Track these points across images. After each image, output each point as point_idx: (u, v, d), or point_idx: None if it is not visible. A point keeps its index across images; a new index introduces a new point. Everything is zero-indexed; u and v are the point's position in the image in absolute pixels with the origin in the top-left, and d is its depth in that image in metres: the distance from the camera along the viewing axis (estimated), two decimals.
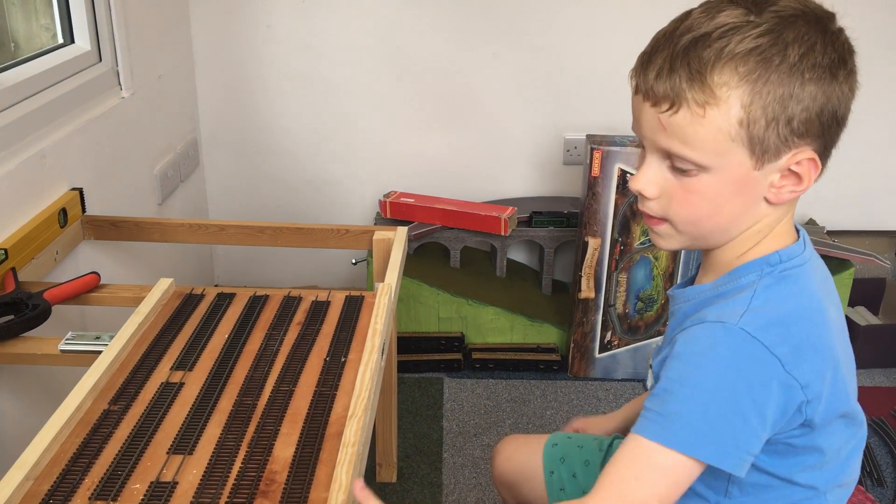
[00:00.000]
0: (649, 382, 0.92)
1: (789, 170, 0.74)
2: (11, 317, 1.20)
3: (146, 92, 1.85)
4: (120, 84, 1.76)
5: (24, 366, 1.32)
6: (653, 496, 0.74)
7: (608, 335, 2.06)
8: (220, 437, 0.97)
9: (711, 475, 0.80)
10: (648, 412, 0.76)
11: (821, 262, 0.83)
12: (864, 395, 2.00)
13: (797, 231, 0.82)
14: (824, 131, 0.74)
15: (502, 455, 1.18)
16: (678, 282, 0.91)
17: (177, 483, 0.89)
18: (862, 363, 2.10)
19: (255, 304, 1.28)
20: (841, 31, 0.74)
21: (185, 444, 0.96)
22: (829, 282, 0.83)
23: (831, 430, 0.78)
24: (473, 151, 2.27)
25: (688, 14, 0.75)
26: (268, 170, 2.29)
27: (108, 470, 0.91)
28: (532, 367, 2.09)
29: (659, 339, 2.05)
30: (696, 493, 0.83)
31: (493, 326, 2.12)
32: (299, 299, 1.30)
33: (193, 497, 0.87)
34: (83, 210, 1.53)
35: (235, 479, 0.90)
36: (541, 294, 2.23)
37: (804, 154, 0.74)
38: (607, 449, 1.09)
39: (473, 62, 2.17)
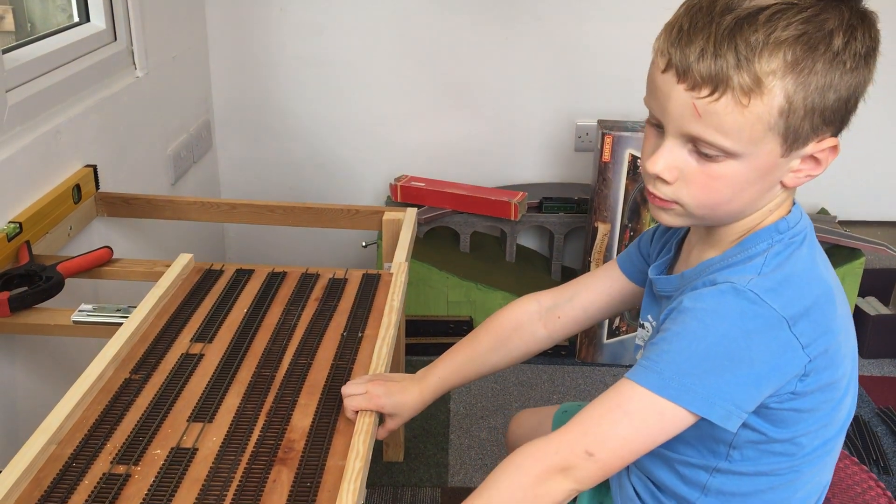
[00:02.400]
0: (640, 343, 0.91)
1: (811, 155, 0.74)
2: (25, 288, 1.21)
3: (160, 72, 1.87)
4: (134, 63, 1.77)
5: (38, 336, 1.34)
6: (618, 435, 0.74)
7: (616, 321, 2.07)
8: (239, 407, 0.99)
9: (713, 440, 0.80)
10: (644, 360, 0.75)
11: (813, 232, 0.84)
12: (872, 384, 2.01)
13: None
14: (846, 117, 0.74)
15: (514, 426, 1.20)
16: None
17: (197, 449, 0.91)
18: (871, 353, 2.11)
19: (273, 280, 1.30)
20: (873, 14, 0.73)
21: (205, 412, 0.98)
22: (824, 255, 0.83)
23: (828, 396, 0.78)
24: (485, 136, 2.28)
25: None
26: (280, 153, 2.31)
27: (129, 436, 0.93)
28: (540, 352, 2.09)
29: None
30: (697, 457, 0.83)
31: None
32: (317, 276, 1.32)
33: (213, 463, 0.89)
34: (97, 187, 1.55)
35: (254, 447, 0.92)
36: (550, 279, 2.24)
37: (828, 142, 0.73)
38: None
39: (486, 47, 2.17)
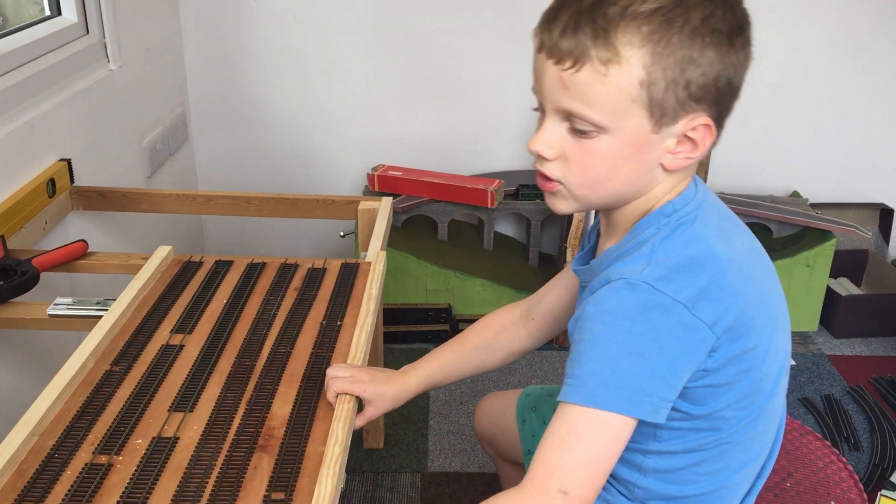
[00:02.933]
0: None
1: (685, 135, 0.75)
2: (1, 283, 1.22)
3: (134, 65, 1.87)
4: (107, 56, 1.77)
5: (14, 331, 1.35)
6: (581, 462, 0.75)
7: None
8: (219, 396, 1.00)
9: (641, 424, 0.80)
10: (567, 378, 0.77)
11: (719, 202, 0.85)
12: (844, 363, 2.05)
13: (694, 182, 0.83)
14: (720, 98, 0.75)
15: (481, 410, 1.22)
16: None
17: (178, 438, 0.92)
18: (842, 332, 2.15)
19: (253, 271, 1.30)
20: (740, 0, 0.76)
21: (185, 402, 0.99)
22: (729, 220, 0.84)
23: (744, 366, 0.79)
24: (461, 125, 2.29)
25: None
26: (257, 144, 2.31)
27: (110, 426, 0.94)
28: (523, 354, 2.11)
29: None
30: (630, 441, 0.83)
31: (480, 298, 2.15)
32: (296, 266, 1.32)
33: (194, 451, 0.90)
34: (71, 181, 1.55)
35: (235, 435, 0.93)
36: (528, 266, 2.26)
37: (700, 120, 0.75)
38: None
39: (462, 35, 2.18)
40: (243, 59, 2.22)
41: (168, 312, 1.18)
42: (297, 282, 1.28)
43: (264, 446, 0.91)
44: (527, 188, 2.18)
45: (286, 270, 1.31)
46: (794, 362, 2.04)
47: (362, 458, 1.71)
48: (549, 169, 0.79)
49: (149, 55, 1.96)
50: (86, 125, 1.65)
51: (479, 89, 2.24)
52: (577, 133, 0.76)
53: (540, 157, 0.79)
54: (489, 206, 2.12)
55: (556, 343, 2.12)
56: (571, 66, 0.73)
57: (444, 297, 2.15)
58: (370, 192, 2.19)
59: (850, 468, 0.98)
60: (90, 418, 0.95)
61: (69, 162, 1.54)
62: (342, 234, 2.18)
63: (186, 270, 1.29)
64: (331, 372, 1.00)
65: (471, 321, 2.11)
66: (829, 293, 2.15)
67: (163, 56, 2.06)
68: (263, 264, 1.33)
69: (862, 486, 0.96)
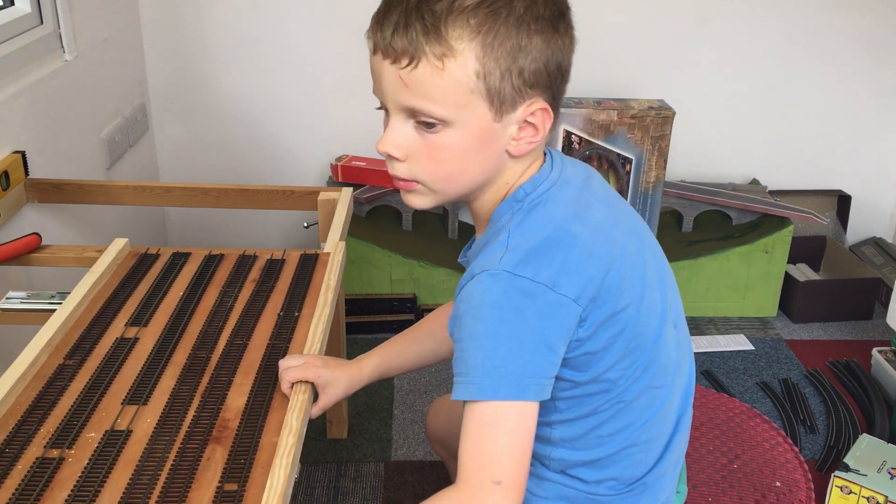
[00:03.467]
0: None
1: (526, 121, 0.78)
2: None
3: (90, 55, 1.84)
4: (63, 47, 1.74)
5: None
6: (502, 449, 0.77)
7: None
8: (174, 388, 1.00)
9: None
10: (456, 377, 0.79)
11: (582, 172, 0.87)
12: (801, 347, 2.09)
13: (546, 155, 0.85)
14: (552, 82, 0.78)
15: (432, 412, 1.23)
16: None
17: (131, 431, 0.92)
18: (800, 317, 2.19)
19: (211, 263, 1.30)
20: None
21: (139, 394, 0.99)
22: (588, 190, 0.86)
23: (617, 329, 0.81)
24: None
25: None
26: (219, 135, 2.29)
27: (63, 420, 0.93)
28: None
29: None
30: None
31: (445, 287, 2.16)
32: (254, 258, 1.32)
33: (148, 444, 0.90)
34: (26, 173, 1.53)
35: (189, 427, 0.93)
36: None
37: (537, 104, 0.78)
38: None
39: None
40: (204, 49, 2.20)
41: (123, 305, 1.17)
42: (255, 273, 1.28)
43: (218, 438, 0.91)
44: None
45: (244, 262, 1.31)
46: (752, 346, 2.08)
47: (326, 448, 1.71)
48: (401, 170, 0.80)
49: (106, 45, 1.94)
50: (41, 117, 1.63)
51: None
52: (423, 128, 0.77)
53: (390, 158, 0.80)
54: None
55: None
56: (408, 64, 0.75)
57: (408, 287, 2.15)
58: (334, 183, 2.19)
59: (796, 450, 1.00)
60: (42, 412, 0.95)
61: (23, 154, 1.52)
62: (306, 224, 2.17)
63: (143, 263, 1.29)
64: (283, 363, 1.00)
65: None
66: (788, 279, 2.18)
67: (121, 46, 2.04)
68: (221, 256, 1.32)
69: (807, 468, 0.98)
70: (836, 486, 1.53)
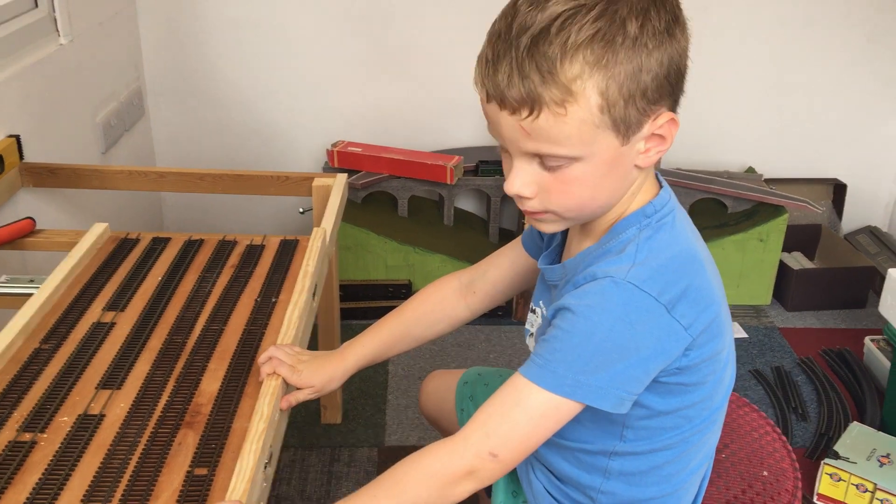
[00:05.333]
0: (530, 328, 0.94)
1: (653, 134, 0.76)
2: None
3: (86, 39, 1.84)
4: (58, 31, 1.74)
5: None
6: (519, 434, 0.77)
7: None
8: (148, 373, 1.00)
9: (607, 421, 0.83)
10: (537, 357, 0.78)
11: (680, 205, 0.86)
12: (795, 335, 2.09)
13: (658, 179, 0.84)
14: (673, 89, 0.75)
15: (424, 392, 1.24)
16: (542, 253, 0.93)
17: (104, 416, 0.92)
18: (794, 305, 2.19)
19: (190, 248, 1.30)
20: None
21: (113, 379, 0.99)
22: (691, 222, 0.86)
23: (712, 368, 0.82)
24: (421, 101, 2.29)
25: (515, 10, 0.72)
26: (216, 119, 2.29)
27: (36, 404, 0.94)
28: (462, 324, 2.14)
29: None
30: (594, 442, 0.86)
31: (440, 273, 2.15)
32: (234, 243, 1.32)
33: (120, 428, 0.91)
34: (21, 157, 1.53)
35: (161, 412, 0.94)
36: (488, 242, 2.27)
37: (663, 117, 0.75)
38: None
39: (422, 11, 2.17)
40: (201, 33, 2.19)
41: (101, 290, 1.17)
42: (234, 259, 1.28)
43: (191, 423, 0.92)
44: (486, 164, 2.19)
45: (224, 247, 1.30)
46: (746, 335, 2.09)
47: (320, 433, 1.73)
48: (533, 206, 0.79)
49: (102, 29, 1.93)
50: (36, 101, 1.62)
51: (440, 65, 2.24)
52: (551, 167, 0.75)
53: (520, 198, 0.78)
54: (448, 182, 2.12)
55: (516, 318, 2.15)
56: (529, 115, 0.71)
57: (404, 273, 2.16)
58: (330, 169, 2.19)
59: (784, 439, 1.01)
60: (16, 396, 0.95)
61: (18, 138, 1.52)
62: (301, 210, 2.17)
63: (123, 248, 1.28)
64: (275, 352, 0.98)
65: None
66: (782, 267, 2.19)
67: (116, 30, 2.03)
68: (201, 241, 1.32)
69: (794, 457, 0.99)
70: (826, 473, 1.54)
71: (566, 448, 0.88)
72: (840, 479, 1.53)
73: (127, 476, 0.84)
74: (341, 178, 1.56)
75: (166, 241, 1.32)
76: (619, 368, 0.75)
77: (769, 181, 2.31)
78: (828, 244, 2.35)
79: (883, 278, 1.63)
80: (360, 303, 2.11)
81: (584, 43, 0.69)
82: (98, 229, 1.30)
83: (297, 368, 0.98)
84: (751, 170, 2.34)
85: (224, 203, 2.33)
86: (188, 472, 0.85)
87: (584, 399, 0.76)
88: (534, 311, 0.93)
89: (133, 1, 2.12)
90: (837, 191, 2.41)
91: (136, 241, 1.31)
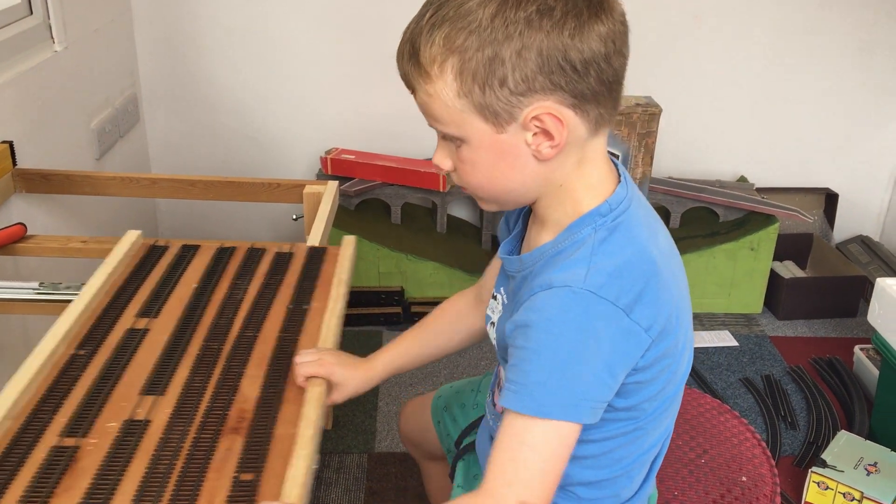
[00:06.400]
0: (491, 315, 0.94)
1: (537, 127, 0.74)
2: None
3: (81, 46, 1.85)
4: (52, 37, 1.75)
5: None
6: (536, 472, 0.76)
7: None
8: (187, 379, 1.00)
9: None
10: (511, 384, 0.77)
11: (640, 194, 0.85)
12: (785, 344, 2.10)
13: (617, 169, 0.83)
14: (556, 84, 0.72)
15: (403, 417, 1.25)
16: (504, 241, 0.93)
17: (150, 421, 0.92)
18: (784, 314, 2.20)
19: (222, 256, 1.30)
20: None
21: (156, 385, 0.99)
22: (649, 214, 0.85)
23: (668, 362, 0.82)
24: (415, 109, 2.27)
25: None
26: (210, 126, 2.30)
27: (76, 410, 0.94)
28: (483, 338, 2.15)
29: None
30: None
31: (432, 281, 2.17)
32: (263, 251, 1.32)
33: (164, 433, 0.91)
34: (14, 163, 1.54)
35: (203, 417, 0.93)
36: (480, 249, 2.29)
37: (538, 110, 0.73)
38: (478, 388, 1.16)
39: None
40: (196, 40, 2.21)
41: (133, 297, 1.18)
42: (264, 266, 1.28)
43: (236, 428, 0.92)
44: None
45: (253, 255, 1.31)
46: (736, 343, 2.09)
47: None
48: (454, 179, 0.83)
49: (97, 36, 1.95)
50: (30, 107, 1.64)
51: None
52: (453, 144, 0.79)
53: (440, 170, 0.83)
54: (441, 189, 2.14)
55: None
56: (411, 91, 0.78)
57: (396, 280, 2.17)
58: (324, 176, 2.20)
59: (764, 445, 1.02)
60: (55, 402, 0.95)
61: (11, 144, 1.53)
62: (294, 217, 2.19)
63: (152, 255, 1.29)
64: (298, 359, 1.00)
65: (423, 304, 2.16)
66: (773, 276, 2.20)
67: (111, 37, 2.05)
68: (232, 248, 1.31)
69: (773, 463, 1.00)
70: (814, 481, 1.55)
71: None
72: (827, 488, 1.54)
73: (173, 481, 0.84)
74: (332, 186, 1.57)
75: (195, 248, 1.32)
76: (589, 379, 0.75)
77: (762, 190, 2.32)
78: (819, 253, 2.36)
79: (874, 287, 1.64)
80: (353, 309, 2.12)
81: (441, 28, 0.72)
82: (132, 237, 1.30)
83: (331, 365, 1.00)
84: (743, 179, 2.35)
85: (219, 210, 2.34)
86: (234, 477, 0.85)
87: (564, 416, 0.75)
88: (495, 298, 0.93)
89: (128, 8, 2.14)
90: (829, 200, 2.42)
91: (165, 248, 1.31)
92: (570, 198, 0.80)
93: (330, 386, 1.01)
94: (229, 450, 0.88)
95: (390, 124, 2.31)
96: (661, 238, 0.84)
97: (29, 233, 1.39)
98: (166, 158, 2.33)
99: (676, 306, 0.81)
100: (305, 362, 0.99)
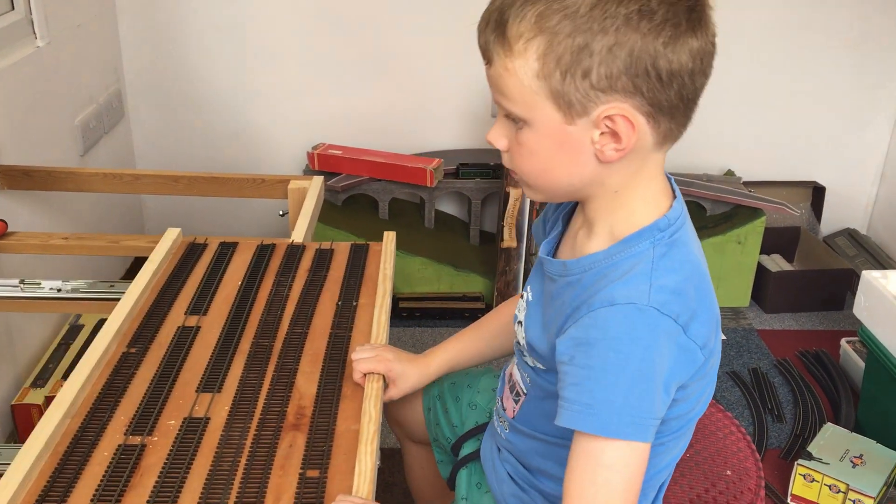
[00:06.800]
0: (520, 339, 0.91)
1: (607, 126, 0.73)
2: None
3: (64, 41, 1.84)
4: (35, 33, 1.74)
5: None
6: (618, 492, 0.74)
7: None
8: (242, 376, 1.00)
9: None
10: (575, 404, 0.75)
11: (686, 211, 0.84)
12: (772, 337, 2.11)
13: (672, 187, 0.82)
14: (638, 88, 0.71)
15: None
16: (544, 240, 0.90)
17: (209, 419, 0.92)
18: (771, 307, 2.20)
19: (264, 253, 1.29)
20: None
21: (212, 382, 0.99)
22: (693, 228, 0.84)
23: (703, 382, 0.82)
24: (402, 104, 2.29)
25: None
26: (196, 122, 2.29)
27: (138, 407, 0.94)
28: (458, 316, 2.15)
29: None
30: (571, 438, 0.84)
31: (421, 276, 2.17)
32: (303, 248, 1.32)
33: (224, 430, 0.91)
34: None
35: (261, 414, 0.93)
36: (468, 244, 2.28)
37: (614, 110, 0.71)
38: (476, 386, 1.14)
39: (402, 14, 2.18)
40: (181, 35, 2.19)
41: (178, 294, 1.17)
42: (306, 263, 1.27)
43: (297, 425, 0.92)
44: (467, 167, 2.19)
45: (293, 252, 1.30)
46: (724, 336, 2.10)
47: None
48: (505, 161, 0.81)
49: (80, 31, 1.93)
50: (12, 103, 1.62)
51: (420, 68, 2.25)
52: (514, 125, 0.77)
53: (495, 147, 0.81)
54: (428, 184, 2.13)
55: None
56: (487, 63, 0.75)
57: None
58: (310, 171, 2.19)
59: (749, 439, 1.02)
60: (112, 400, 0.95)
61: None
62: (281, 213, 2.18)
63: (192, 253, 1.29)
64: (355, 355, 1.00)
65: (412, 299, 2.15)
66: (761, 269, 2.20)
67: (95, 32, 2.03)
68: (273, 245, 1.31)
69: (758, 457, 1.00)
70: (800, 473, 1.56)
71: (544, 441, 0.88)
72: (813, 480, 1.55)
73: (238, 478, 0.84)
74: (317, 181, 1.57)
75: (234, 245, 1.31)
76: (652, 397, 0.74)
77: (749, 184, 2.32)
78: (806, 246, 2.36)
79: (860, 280, 1.65)
80: None
81: (536, 5, 0.70)
82: (172, 234, 1.30)
83: (389, 361, 1.00)
84: (730, 173, 2.35)
85: (206, 205, 2.32)
86: (300, 474, 0.85)
87: (632, 436, 0.74)
88: (521, 297, 0.92)
89: (112, 3, 2.12)
90: (816, 193, 2.43)
91: (205, 245, 1.31)
92: (625, 207, 0.79)
93: (386, 382, 1.01)
94: (291, 446, 0.89)
95: (378, 119, 2.30)
96: (701, 253, 0.83)
97: (10, 230, 1.38)
98: (152, 154, 2.31)
99: (717, 323, 0.81)
100: (363, 358, 0.99)
